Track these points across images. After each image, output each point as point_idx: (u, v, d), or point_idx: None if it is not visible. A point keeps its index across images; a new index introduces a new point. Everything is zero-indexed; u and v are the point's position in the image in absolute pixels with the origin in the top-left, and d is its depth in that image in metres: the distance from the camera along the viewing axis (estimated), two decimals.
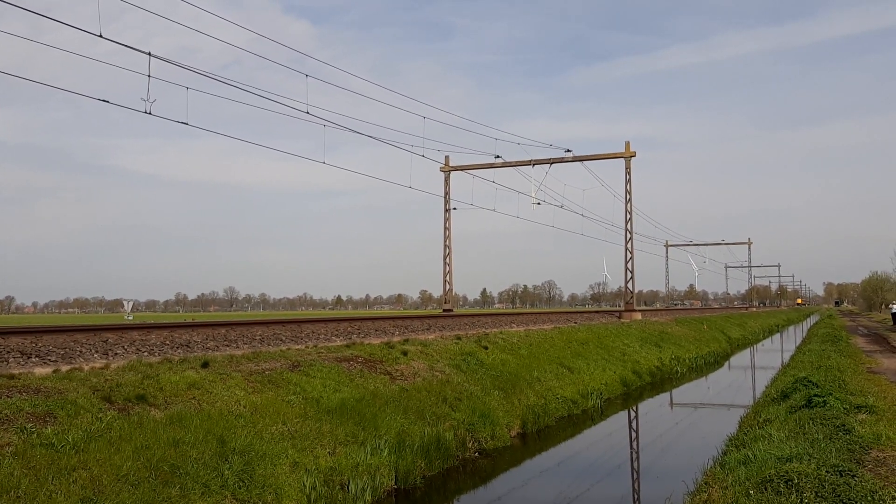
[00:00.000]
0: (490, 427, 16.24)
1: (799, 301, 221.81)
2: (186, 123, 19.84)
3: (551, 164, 46.83)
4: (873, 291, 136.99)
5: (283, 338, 18.75)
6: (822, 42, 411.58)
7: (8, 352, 12.38)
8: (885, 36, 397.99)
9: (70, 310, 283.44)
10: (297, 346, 17.13)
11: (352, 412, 13.16)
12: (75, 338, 14.57)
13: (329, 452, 11.71)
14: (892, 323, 62.81)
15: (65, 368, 11.42)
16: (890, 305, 70.28)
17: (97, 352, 13.56)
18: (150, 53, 17.47)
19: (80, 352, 13.31)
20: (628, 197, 47.10)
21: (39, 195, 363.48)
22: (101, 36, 16.39)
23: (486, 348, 21.62)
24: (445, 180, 50.96)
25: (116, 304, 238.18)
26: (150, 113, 18.17)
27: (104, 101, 18.47)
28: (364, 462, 11.92)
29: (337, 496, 10.89)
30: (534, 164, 46.80)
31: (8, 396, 9.34)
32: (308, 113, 22.74)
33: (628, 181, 47.00)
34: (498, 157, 45.63)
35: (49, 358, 12.38)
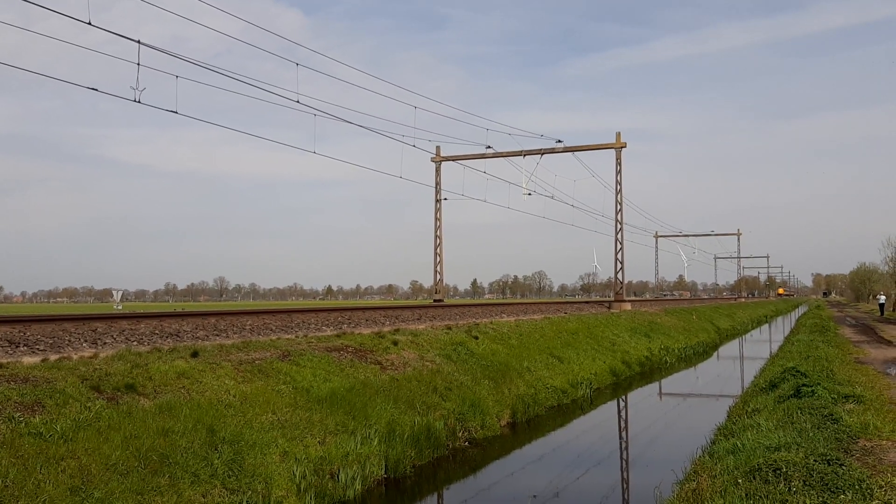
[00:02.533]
0: (480, 416, 16.28)
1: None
2: (175, 112, 19.70)
3: (542, 154, 46.79)
4: (861, 282, 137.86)
5: (274, 327, 18.72)
6: (813, 34, 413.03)
7: None
8: (875, 29, 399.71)
9: (59, 299, 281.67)
10: (287, 336, 17.09)
11: (342, 402, 13.15)
12: (64, 327, 14.49)
13: (319, 442, 11.71)
14: (879, 313, 63.33)
15: (53, 357, 11.36)
16: (877, 296, 70.76)
17: (86, 341, 13.49)
18: (139, 41, 17.31)
19: (69, 341, 13.23)
20: (619, 188, 47.12)
21: (29, 185, 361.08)
22: (90, 24, 16.23)
23: (476, 338, 21.64)
24: (436, 171, 50.89)
25: (106, 294, 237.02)
26: (139, 101, 18.04)
27: (93, 88, 18.33)
28: (354, 451, 11.93)
29: (327, 485, 10.90)
30: (525, 155, 46.76)
31: None
32: (299, 102, 22.64)
33: (619, 172, 47.02)
34: (489, 147, 45.43)
35: (37, 347, 12.31)
